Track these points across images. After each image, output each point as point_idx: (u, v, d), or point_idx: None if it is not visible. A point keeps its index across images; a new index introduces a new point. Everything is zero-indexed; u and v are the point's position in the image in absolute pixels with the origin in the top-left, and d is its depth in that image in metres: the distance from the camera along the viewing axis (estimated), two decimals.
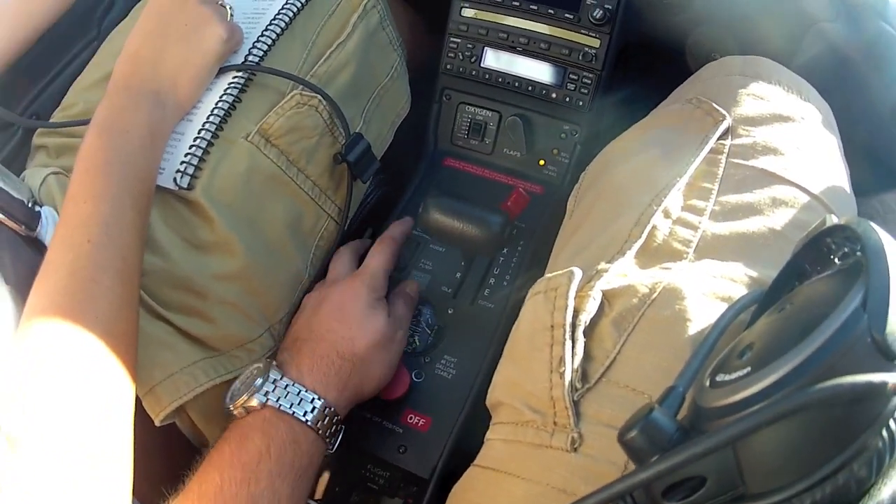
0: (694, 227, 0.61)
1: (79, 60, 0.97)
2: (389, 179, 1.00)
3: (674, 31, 0.95)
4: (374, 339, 0.74)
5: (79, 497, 0.51)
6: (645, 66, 0.98)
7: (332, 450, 0.71)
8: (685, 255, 0.59)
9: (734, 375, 0.43)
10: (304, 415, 0.67)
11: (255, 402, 0.66)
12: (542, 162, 0.97)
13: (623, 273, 0.58)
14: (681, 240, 0.60)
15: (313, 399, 0.68)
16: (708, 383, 0.45)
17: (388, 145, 0.95)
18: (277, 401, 0.66)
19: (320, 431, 0.68)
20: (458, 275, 0.88)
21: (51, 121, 0.82)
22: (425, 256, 0.90)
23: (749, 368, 0.42)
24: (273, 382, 0.68)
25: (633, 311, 0.56)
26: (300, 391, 0.68)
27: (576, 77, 0.94)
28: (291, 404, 0.67)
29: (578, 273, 0.58)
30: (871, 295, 0.39)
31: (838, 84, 0.82)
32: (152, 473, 0.67)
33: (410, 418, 0.79)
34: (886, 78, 0.83)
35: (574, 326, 0.55)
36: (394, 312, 0.79)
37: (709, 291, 0.56)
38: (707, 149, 0.65)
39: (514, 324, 0.83)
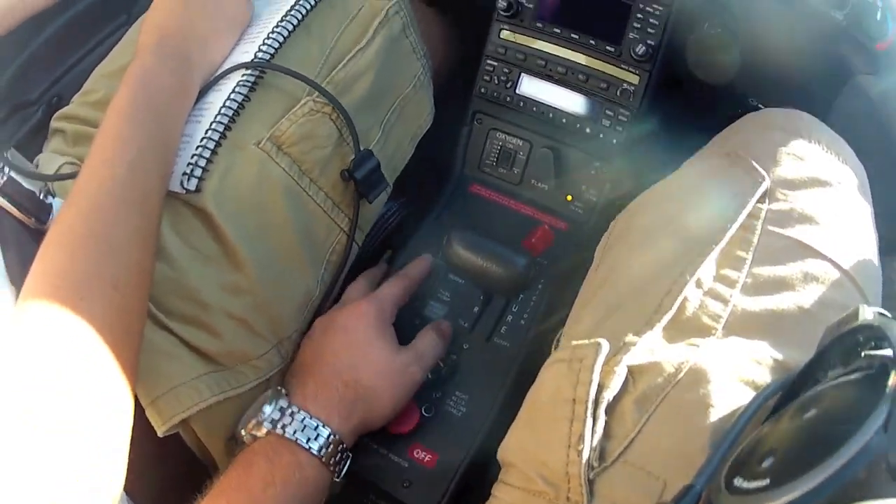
0: (725, 301, 0.59)
1: (106, 44, 0.96)
2: (413, 201, 0.99)
3: (713, 72, 0.92)
4: (378, 367, 0.74)
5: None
6: (682, 107, 0.96)
7: (338, 478, 0.71)
8: (713, 331, 0.58)
9: (753, 485, 0.42)
10: (308, 441, 0.67)
11: (261, 430, 0.68)
12: (569, 197, 0.96)
13: (650, 348, 0.57)
14: (711, 314, 0.59)
15: (317, 426, 0.68)
16: (724, 485, 0.44)
17: (413, 164, 0.93)
18: (282, 428, 0.68)
19: (324, 459, 0.68)
20: (476, 309, 0.86)
21: (70, 106, 0.81)
22: (444, 287, 0.89)
23: (768, 480, 0.41)
24: (280, 409, 0.69)
25: (657, 391, 0.54)
26: (304, 418, 0.68)
27: (612, 113, 0.92)
28: (295, 431, 0.68)
29: (605, 346, 0.56)
30: (894, 417, 0.38)
31: (873, 138, 0.80)
32: (154, 481, 0.69)
33: (417, 453, 0.79)
34: None
35: (597, 403, 0.54)
36: (416, 346, 0.79)
37: (734, 375, 0.54)
38: (745, 214, 0.63)
39: (528, 364, 0.83)
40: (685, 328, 0.59)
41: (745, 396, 0.52)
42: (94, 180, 0.63)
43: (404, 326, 0.82)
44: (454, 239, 0.80)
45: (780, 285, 0.60)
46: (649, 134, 0.94)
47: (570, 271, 0.88)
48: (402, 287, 0.83)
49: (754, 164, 0.67)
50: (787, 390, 0.52)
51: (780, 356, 0.56)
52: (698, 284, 0.60)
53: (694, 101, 0.97)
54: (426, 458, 0.78)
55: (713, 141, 0.78)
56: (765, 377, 0.55)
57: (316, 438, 0.68)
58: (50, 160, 0.75)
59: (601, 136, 0.93)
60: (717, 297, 0.60)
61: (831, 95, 0.85)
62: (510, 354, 0.84)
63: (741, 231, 0.63)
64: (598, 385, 0.55)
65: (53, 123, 0.80)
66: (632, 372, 0.56)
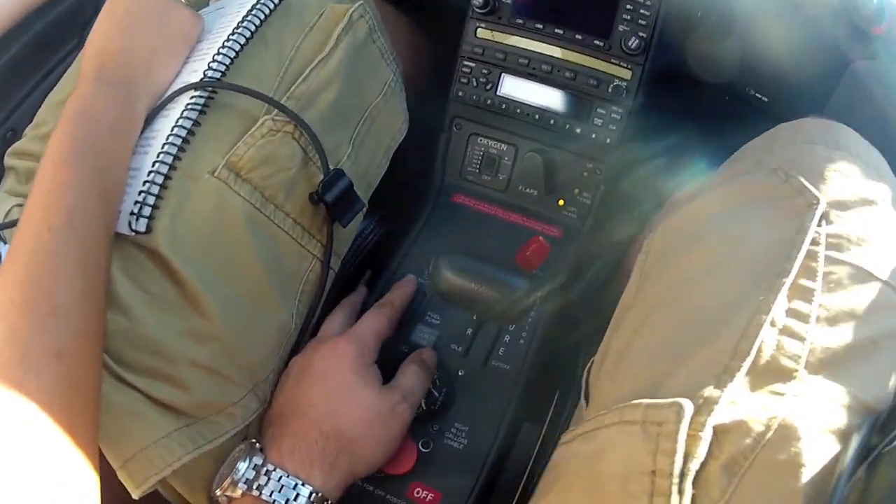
0: (801, 339, 0.52)
1: (59, 70, 0.90)
2: (391, 216, 0.91)
3: (709, 64, 0.87)
4: (361, 414, 0.67)
5: None
6: (678, 101, 0.90)
7: None
8: (795, 374, 0.50)
9: None
10: (287, 503, 0.61)
11: (237, 491, 0.62)
12: (561, 202, 0.89)
13: (731, 400, 0.49)
14: (790, 355, 0.51)
15: (297, 485, 0.62)
16: None
17: (390, 177, 0.86)
18: (258, 489, 0.61)
19: None
20: (470, 331, 0.79)
21: (22, 141, 0.73)
22: (433, 308, 0.82)
23: None
24: (254, 468, 0.63)
25: (746, 454, 0.47)
26: (281, 477, 0.62)
27: (603, 111, 0.86)
28: (272, 492, 0.61)
29: (689, 408, 0.48)
30: None
31: (873, 124, 0.76)
32: None
33: (417, 492, 0.71)
34: None
35: (682, 475, 0.46)
36: (399, 383, 0.71)
37: (823, 426, 0.48)
38: (809, 239, 0.57)
39: (532, 387, 0.77)
40: (765, 374, 0.51)
41: (834, 449, 0.47)
42: (31, 237, 0.56)
43: (391, 356, 0.74)
44: (442, 265, 0.72)
45: (849, 316, 0.54)
46: (644, 131, 0.88)
47: (569, 281, 0.81)
48: (385, 318, 0.75)
49: (805, 183, 0.61)
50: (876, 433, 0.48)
51: (859, 394, 0.50)
52: (772, 322, 0.53)
53: (690, 95, 0.91)
54: (428, 498, 0.71)
55: (746, 150, 0.71)
56: (850, 422, 0.49)
57: (296, 499, 0.61)
58: (2, 201, 0.68)
59: (593, 136, 0.87)
60: (793, 336, 0.52)
61: (832, 82, 0.80)
62: (511, 378, 0.77)
63: (805, 259, 0.56)
64: (684, 454, 0.47)
65: (7, 160, 0.72)
66: (716, 432, 0.48)
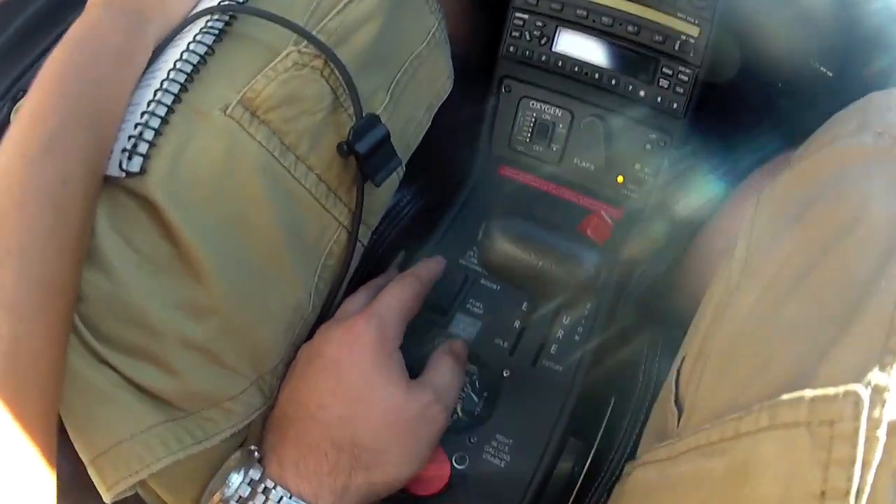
0: None
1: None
2: (430, 187, 0.80)
3: (773, 30, 0.77)
4: (382, 417, 0.56)
5: None
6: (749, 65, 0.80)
7: None
8: None
9: None
10: None
11: None
12: (621, 178, 0.78)
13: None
14: None
15: None
16: None
17: (429, 146, 0.74)
18: None
19: None
20: (517, 324, 0.68)
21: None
22: (475, 295, 0.71)
23: None
24: (249, 483, 0.53)
25: None
26: (282, 498, 0.52)
27: (670, 71, 0.74)
28: None
29: (866, 398, 0.37)
30: None
31: None
32: None
33: None
34: None
35: (859, 492, 0.35)
36: (431, 379, 0.60)
37: None
38: None
39: (589, 393, 0.66)
40: None
41: None
42: (1, 165, 0.48)
43: (423, 354, 0.64)
44: (496, 230, 0.61)
45: None
46: (715, 97, 0.77)
47: (633, 267, 0.71)
48: (408, 292, 0.63)
49: None
50: None
51: None
52: None
53: (748, 76, 0.80)
54: None
55: (841, 119, 0.61)
56: None
57: None
58: None
59: (658, 99, 0.75)
60: None
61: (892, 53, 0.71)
62: (564, 382, 0.66)
63: None
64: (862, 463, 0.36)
65: (13, 118, 0.63)
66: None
